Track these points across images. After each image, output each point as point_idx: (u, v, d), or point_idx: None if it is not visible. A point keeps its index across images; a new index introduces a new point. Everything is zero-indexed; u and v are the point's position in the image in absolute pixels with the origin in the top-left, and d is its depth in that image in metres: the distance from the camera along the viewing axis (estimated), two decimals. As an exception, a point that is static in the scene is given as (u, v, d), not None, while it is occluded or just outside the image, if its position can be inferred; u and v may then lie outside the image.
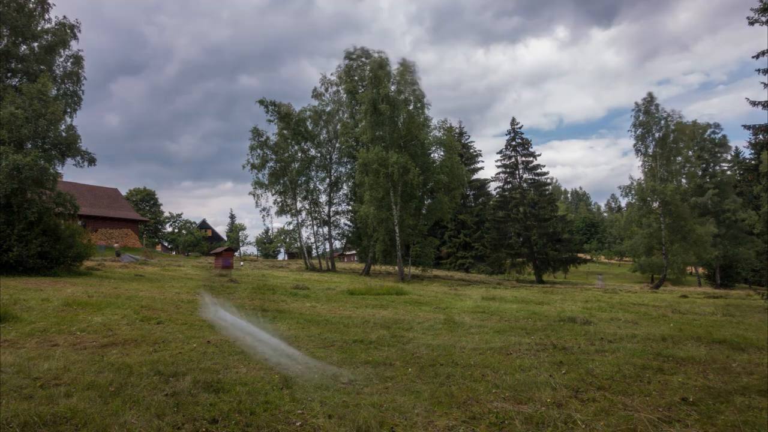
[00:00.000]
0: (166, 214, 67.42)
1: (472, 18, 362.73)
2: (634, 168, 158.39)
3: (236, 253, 53.92)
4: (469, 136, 66.48)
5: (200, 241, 57.87)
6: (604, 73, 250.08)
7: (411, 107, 30.17)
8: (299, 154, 36.33)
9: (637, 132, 35.57)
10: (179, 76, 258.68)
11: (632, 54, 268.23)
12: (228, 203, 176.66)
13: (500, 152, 46.61)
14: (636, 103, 35.62)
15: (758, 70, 19.63)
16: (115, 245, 32.93)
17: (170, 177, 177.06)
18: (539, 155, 46.22)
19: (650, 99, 35.20)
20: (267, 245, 71.72)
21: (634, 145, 35.94)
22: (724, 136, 47.56)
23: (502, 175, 46.73)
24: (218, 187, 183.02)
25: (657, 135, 34.75)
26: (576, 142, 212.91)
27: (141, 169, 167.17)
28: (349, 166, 37.36)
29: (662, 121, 34.51)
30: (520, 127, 45.96)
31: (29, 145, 16.82)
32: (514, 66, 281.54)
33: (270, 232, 72.23)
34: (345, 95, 35.37)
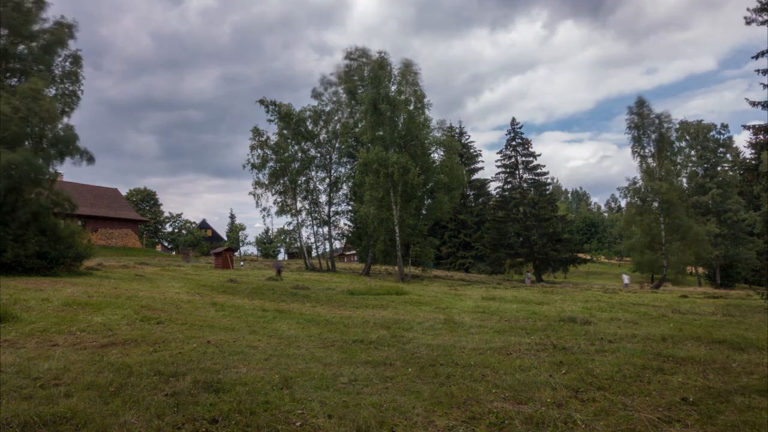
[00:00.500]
0: (166, 214, 67.47)
1: (452, 6, 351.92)
2: (619, 162, 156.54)
3: (236, 253, 53.90)
4: (469, 136, 66.54)
5: (200, 241, 57.87)
6: (591, 64, 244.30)
7: (411, 107, 30.19)
8: (299, 154, 36.34)
9: (633, 134, 35.67)
10: (128, 64, 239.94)
11: (622, 41, 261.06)
12: (212, 201, 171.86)
13: (500, 152, 46.65)
14: (629, 107, 35.79)
15: (758, 71, 19.63)
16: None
17: (131, 172, 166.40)
18: (539, 155, 46.25)
19: (641, 102, 35.41)
20: (267, 245, 71.72)
21: (632, 147, 36.04)
22: (730, 137, 47.62)
23: (502, 175, 46.73)
24: (199, 183, 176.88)
25: (653, 136, 34.83)
26: (558, 134, 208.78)
27: (102, 163, 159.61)
28: (349, 166, 37.37)
29: (656, 121, 34.63)
30: (520, 127, 45.98)
31: (26, 144, 16.78)
32: (496, 57, 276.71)
33: (270, 231, 72.24)
34: (344, 95, 35.37)
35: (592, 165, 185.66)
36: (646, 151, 35.04)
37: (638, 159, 35.56)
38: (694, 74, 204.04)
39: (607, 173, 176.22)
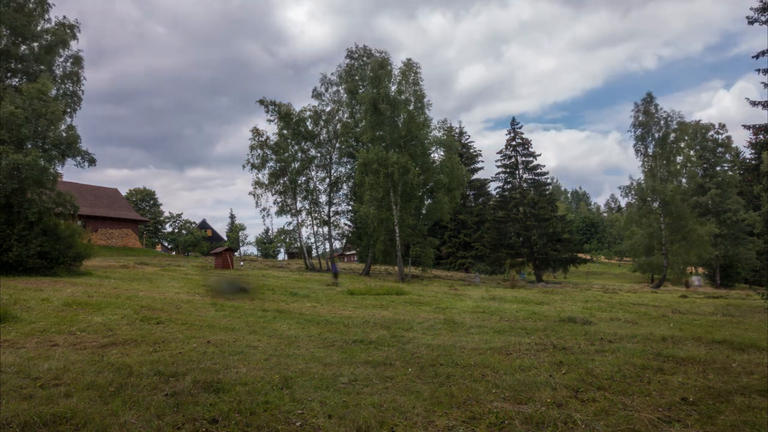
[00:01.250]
0: (166, 214, 67.48)
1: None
2: (599, 153, 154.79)
3: (236, 253, 53.87)
4: (469, 136, 66.44)
5: (200, 241, 57.83)
6: (576, 47, 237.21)
7: (411, 107, 30.17)
8: (299, 154, 36.33)
9: (637, 132, 35.58)
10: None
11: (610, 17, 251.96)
12: (192, 201, 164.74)
13: (500, 152, 46.63)
14: (635, 104, 35.66)
15: (758, 70, 19.59)
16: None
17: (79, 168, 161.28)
18: (539, 155, 46.21)
19: (650, 99, 35.19)
20: (267, 245, 71.72)
21: (634, 146, 35.97)
22: (728, 137, 47.55)
23: (502, 175, 46.70)
24: (164, 177, 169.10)
25: (657, 135, 34.72)
26: (536, 125, 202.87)
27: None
28: (349, 166, 37.35)
29: (662, 121, 34.50)
30: (519, 127, 45.95)
31: (29, 145, 16.82)
32: (473, 36, 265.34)
33: (270, 231, 72.20)
34: (345, 95, 35.36)
35: (571, 157, 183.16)
36: (650, 150, 34.98)
37: (641, 158, 35.55)
38: (680, 61, 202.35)
39: (586, 164, 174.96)
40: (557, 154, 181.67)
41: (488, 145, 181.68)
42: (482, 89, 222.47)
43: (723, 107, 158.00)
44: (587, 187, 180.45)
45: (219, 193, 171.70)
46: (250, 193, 37.51)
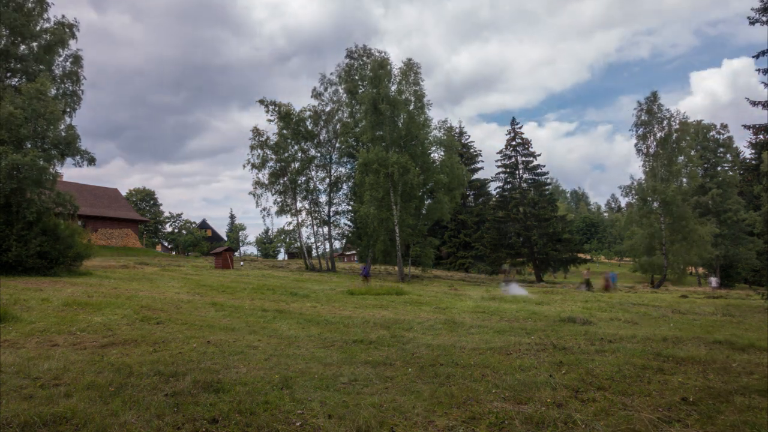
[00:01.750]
0: (166, 214, 67.51)
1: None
2: (583, 147, 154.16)
3: (236, 253, 53.87)
4: (469, 136, 66.26)
5: (200, 241, 57.82)
6: (563, 33, 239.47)
7: (411, 107, 30.18)
8: (299, 154, 36.35)
9: (638, 131, 35.59)
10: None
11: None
12: (178, 201, 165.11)
13: (500, 152, 46.66)
14: (638, 102, 35.69)
15: (758, 70, 19.60)
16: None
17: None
18: (539, 155, 46.25)
19: (653, 98, 35.20)
20: (267, 245, 71.76)
21: (635, 145, 36.00)
22: (730, 137, 47.56)
23: (502, 175, 46.71)
24: (137, 169, 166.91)
25: (660, 135, 34.73)
26: (526, 119, 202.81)
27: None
28: (349, 166, 37.41)
29: (665, 121, 34.51)
30: (520, 127, 45.97)
31: (29, 145, 16.80)
32: (459, 24, 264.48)
33: (270, 231, 72.21)
34: (345, 95, 35.37)
35: (558, 151, 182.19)
36: (651, 150, 35.00)
37: (642, 157, 35.58)
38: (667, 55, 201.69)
39: (570, 158, 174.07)
40: (542, 146, 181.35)
41: (477, 135, 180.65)
42: (472, 79, 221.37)
43: (709, 90, 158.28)
44: (575, 182, 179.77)
45: (202, 190, 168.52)
46: (250, 193, 37.62)
